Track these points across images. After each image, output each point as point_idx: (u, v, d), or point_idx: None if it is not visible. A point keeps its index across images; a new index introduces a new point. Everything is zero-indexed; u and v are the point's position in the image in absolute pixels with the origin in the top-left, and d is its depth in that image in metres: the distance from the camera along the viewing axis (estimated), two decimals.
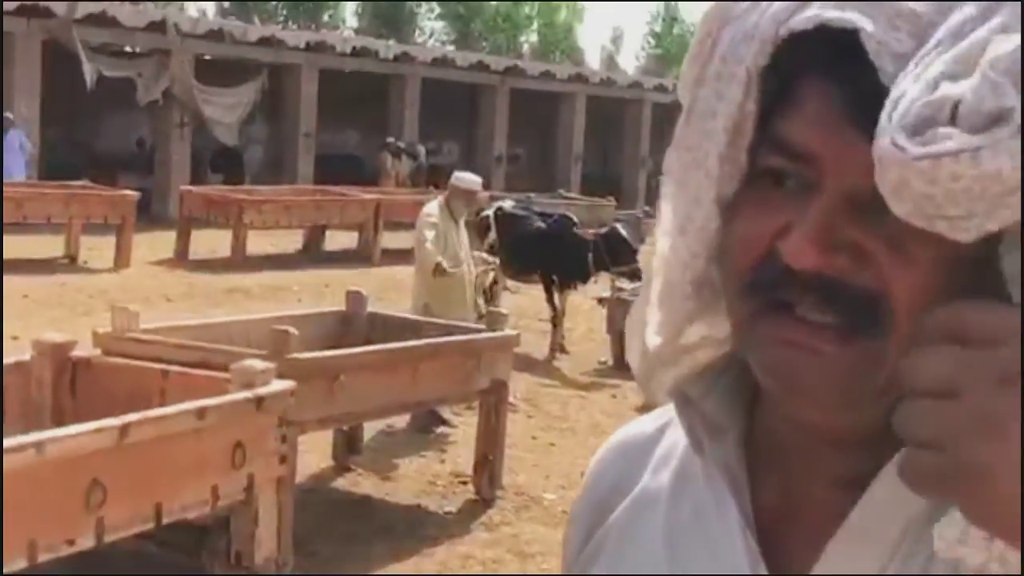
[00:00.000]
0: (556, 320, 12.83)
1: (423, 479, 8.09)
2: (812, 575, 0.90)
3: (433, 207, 9.90)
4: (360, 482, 7.96)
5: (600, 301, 13.01)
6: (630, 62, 77.70)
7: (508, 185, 29.93)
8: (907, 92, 0.76)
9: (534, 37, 71.94)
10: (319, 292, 15.66)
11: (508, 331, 7.84)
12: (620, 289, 12.94)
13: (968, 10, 0.78)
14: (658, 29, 79.50)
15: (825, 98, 0.83)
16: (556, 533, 7.16)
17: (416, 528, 7.18)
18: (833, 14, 0.81)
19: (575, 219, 13.61)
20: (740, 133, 0.87)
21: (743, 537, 0.94)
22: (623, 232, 13.15)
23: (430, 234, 9.48)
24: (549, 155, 37.83)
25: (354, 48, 30.56)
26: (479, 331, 7.87)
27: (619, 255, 12.57)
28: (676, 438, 1.04)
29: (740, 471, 0.97)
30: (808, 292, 0.83)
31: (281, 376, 5.52)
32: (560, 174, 35.98)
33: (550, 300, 12.86)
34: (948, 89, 0.75)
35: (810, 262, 0.82)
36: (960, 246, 0.77)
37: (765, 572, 0.92)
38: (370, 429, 8.68)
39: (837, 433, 0.90)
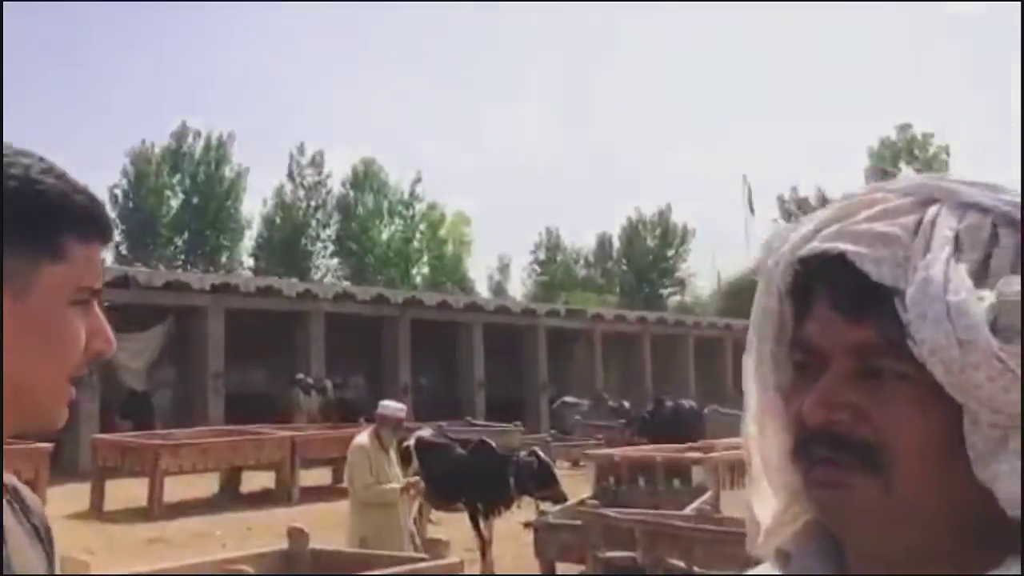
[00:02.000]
0: (484, 548, 12.62)
1: None
2: None
3: (364, 438, 9.85)
4: None
5: (526, 525, 12.82)
6: (517, 289, 78.93)
7: (415, 415, 29.81)
8: (965, 299, 1.00)
9: (425, 269, 73.00)
10: (242, 535, 15.23)
11: (451, 558, 7.68)
12: (544, 513, 12.82)
13: (942, 233, 1.04)
14: (542, 257, 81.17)
15: (823, 304, 1.08)
16: None
17: None
18: (826, 244, 1.07)
19: (494, 445, 13.55)
20: (784, 333, 1.14)
21: None
22: (542, 456, 13.13)
23: (365, 466, 9.37)
24: (452, 383, 37.92)
25: (258, 287, 30.70)
26: (423, 560, 7.69)
27: (542, 478, 12.52)
28: None
29: None
30: (824, 445, 1.05)
31: None
32: (464, 401, 36.01)
33: (476, 528, 12.68)
34: (989, 297, 1.00)
35: (817, 418, 1.05)
36: (939, 405, 1.01)
37: None
38: None
39: (901, 559, 1.05)
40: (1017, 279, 1.01)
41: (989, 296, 1.01)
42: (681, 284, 79.47)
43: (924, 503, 1.03)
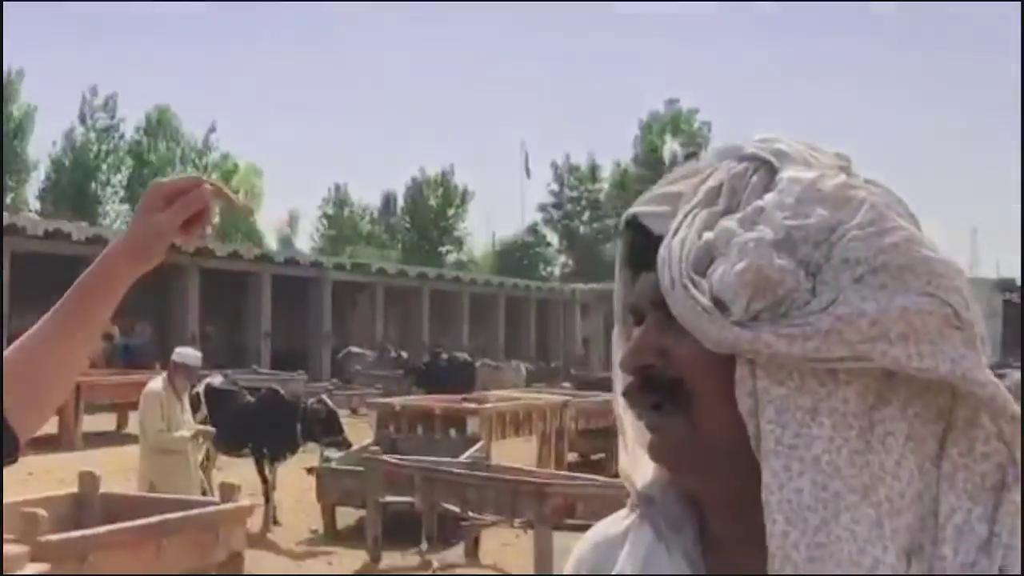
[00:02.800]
0: (267, 493, 12.53)
1: None
2: None
3: (157, 383, 9.65)
4: None
5: (309, 471, 12.80)
6: (306, 242, 78.05)
7: (202, 363, 29.23)
8: (687, 239, 1.06)
9: (216, 219, 71.24)
10: (23, 481, 14.71)
11: (242, 502, 7.63)
12: (328, 459, 12.82)
13: (708, 184, 1.10)
14: (330, 212, 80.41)
15: (633, 265, 1.16)
16: None
17: None
18: (632, 209, 1.16)
19: (282, 393, 13.46)
20: (627, 298, 1.18)
21: None
22: (329, 404, 13.12)
23: (157, 413, 9.20)
24: (239, 332, 37.31)
25: (46, 231, 29.48)
26: (214, 503, 7.62)
27: (326, 426, 12.52)
28: (635, 540, 1.19)
29: (697, 558, 1.13)
30: (644, 389, 1.11)
31: (33, 559, 5.18)
32: (250, 350, 35.49)
33: (261, 473, 12.58)
34: (707, 236, 1.05)
35: (630, 365, 1.11)
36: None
37: None
38: None
39: (717, 497, 1.11)
40: (737, 215, 1.06)
41: (709, 234, 1.06)
42: (459, 243, 79.89)
43: (725, 436, 1.05)
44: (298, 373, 27.04)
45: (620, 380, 1.17)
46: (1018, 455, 1.02)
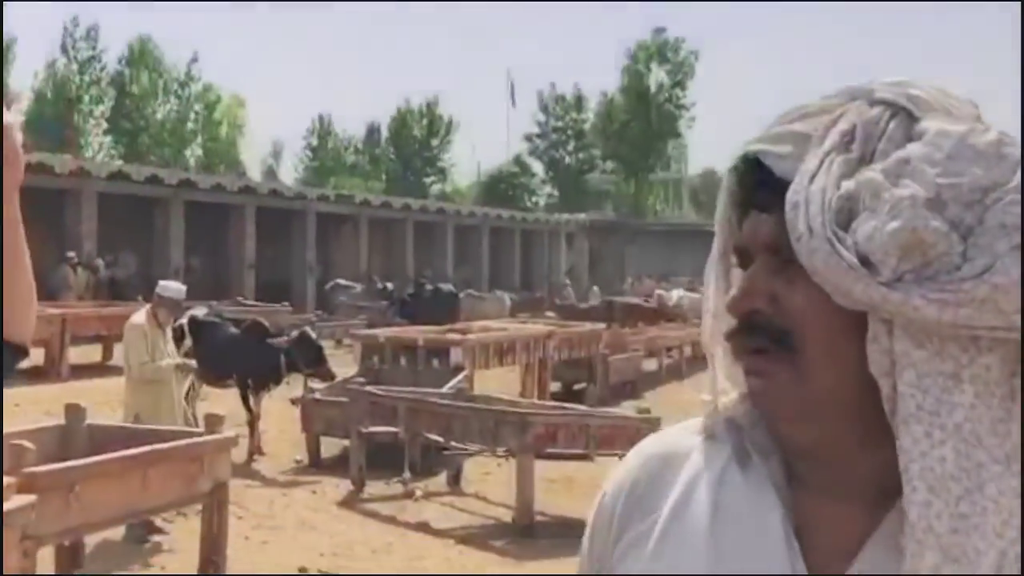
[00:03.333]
0: (252, 423, 12.60)
1: None
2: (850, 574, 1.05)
3: (141, 316, 9.66)
4: None
5: (294, 402, 12.88)
6: (289, 174, 77.74)
7: (186, 295, 29.22)
8: (826, 187, 1.02)
9: (199, 151, 70.94)
10: (10, 412, 14.73)
11: (227, 433, 7.68)
12: (312, 390, 12.89)
13: (840, 128, 1.05)
14: (315, 143, 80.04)
15: (749, 199, 1.11)
16: None
17: None
18: (748, 147, 1.10)
19: (267, 324, 13.49)
20: (732, 236, 1.15)
21: (784, 534, 1.08)
22: (312, 336, 13.15)
23: (140, 345, 9.24)
24: (222, 264, 37.24)
25: (29, 163, 29.16)
26: (199, 434, 7.67)
27: (310, 358, 12.56)
28: (708, 456, 1.18)
29: (784, 486, 1.11)
30: (750, 333, 1.08)
31: (20, 491, 5.23)
32: (234, 282, 35.45)
33: (246, 403, 12.65)
34: (847, 186, 1.02)
35: (736, 307, 1.09)
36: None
37: (802, 565, 1.06)
38: (88, 543, 8.24)
39: (824, 449, 1.07)
40: (879, 166, 1.01)
41: (849, 183, 1.02)
42: (443, 173, 79.65)
43: (834, 389, 1.04)
44: (282, 305, 27.04)
45: (720, 320, 1.16)
46: None
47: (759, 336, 1.08)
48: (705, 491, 1.15)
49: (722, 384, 1.18)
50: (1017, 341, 0.98)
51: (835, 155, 1.04)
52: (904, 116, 1.04)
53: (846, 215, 1.01)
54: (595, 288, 43.91)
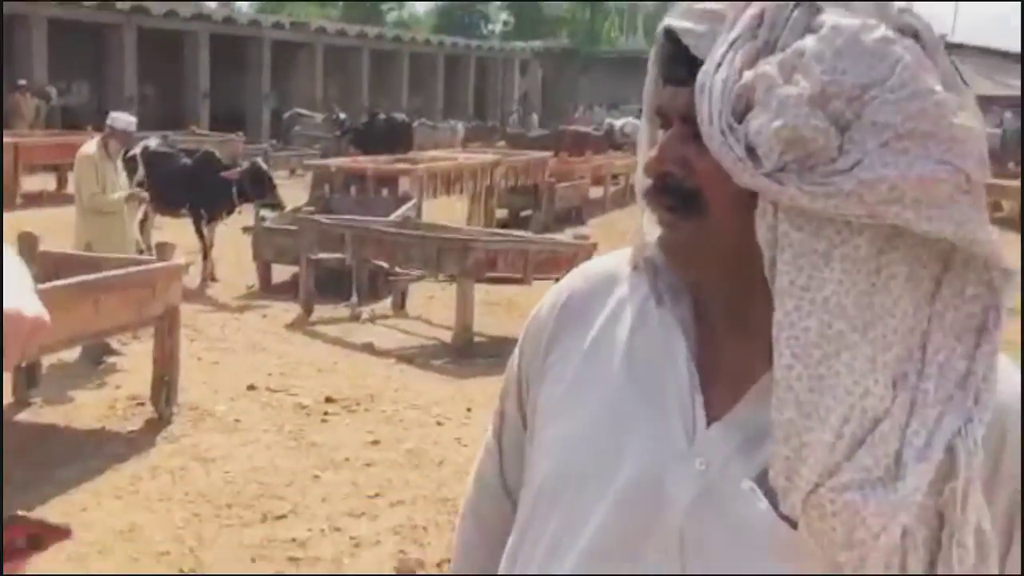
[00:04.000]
0: (206, 251, 12.86)
1: (103, 405, 8.09)
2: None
3: (91, 147, 9.80)
4: (43, 413, 7.86)
5: (245, 230, 13.13)
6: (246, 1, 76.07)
7: (140, 125, 28.97)
8: (728, 79, 1.09)
9: None
10: None
11: (177, 260, 7.96)
12: (263, 219, 13.11)
13: (751, 12, 1.12)
14: None
15: (667, 71, 1.20)
16: (232, 439, 7.45)
17: (102, 448, 7.20)
18: (668, 21, 1.18)
19: (218, 155, 13.64)
20: (657, 99, 1.24)
21: (687, 370, 1.23)
22: (264, 167, 13.31)
23: (91, 176, 9.44)
24: (177, 93, 36.87)
25: None
26: (151, 262, 7.94)
27: (261, 188, 12.74)
28: (633, 288, 1.33)
29: (691, 325, 1.26)
30: (663, 193, 1.19)
31: None
32: (189, 111, 35.20)
33: (199, 232, 12.88)
34: (747, 76, 1.09)
35: (653, 170, 1.20)
36: None
37: (701, 397, 1.21)
38: (46, 364, 8.58)
39: (724, 296, 1.21)
40: (776, 59, 1.08)
41: (749, 74, 1.09)
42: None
43: (734, 247, 1.14)
44: (237, 134, 26.96)
45: (640, 180, 1.25)
46: (1002, 301, 1.10)
47: (670, 196, 1.18)
48: (627, 323, 1.30)
49: (647, 227, 1.29)
50: (884, 225, 1.07)
51: (741, 42, 1.10)
52: (807, 6, 1.09)
53: (744, 104, 1.09)
54: (534, 116, 43.83)
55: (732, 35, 1.11)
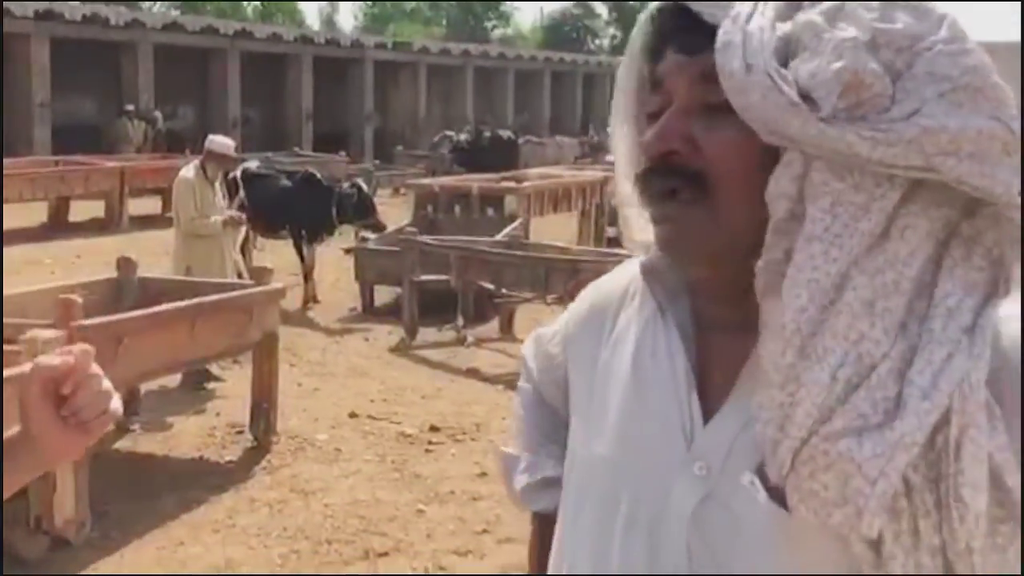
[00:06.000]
0: (307, 273, 12.86)
1: (202, 432, 8.04)
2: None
3: (189, 171, 9.81)
4: (141, 441, 7.84)
5: (347, 252, 13.09)
6: (348, 20, 77.16)
7: (244, 146, 29.48)
8: (764, 27, 1.07)
9: (256, 1, 70.52)
10: (71, 263, 15.14)
11: (275, 284, 7.86)
12: (364, 240, 13.07)
13: None
14: None
15: (671, 49, 1.16)
16: (332, 470, 7.31)
17: (200, 479, 7.15)
18: None
19: (319, 176, 13.63)
20: (643, 89, 1.23)
21: (685, 373, 1.23)
22: (363, 187, 13.28)
23: (189, 199, 9.43)
24: (280, 115, 37.35)
25: (84, 15, 29.33)
26: (249, 286, 7.86)
27: (361, 208, 12.71)
28: (643, 297, 1.32)
29: (689, 327, 1.26)
30: (663, 175, 1.14)
31: (69, 343, 5.42)
32: (292, 133, 35.62)
33: (300, 254, 12.88)
34: (783, 27, 1.08)
35: (654, 149, 1.14)
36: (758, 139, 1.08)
37: (695, 395, 1.22)
38: (144, 391, 8.55)
39: (726, 291, 1.18)
40: (815, 9, 1.08)
41: (785, 26, 1.08)
42: (505, 17, 78.66)
43: (743, 230, 1.11)
44: (340, 155, 27.13)
45: (628, 162, 1.25)
46: (1014, 275, 1.09)
47: (672, 177, 1.13)
48: (633, 336, 1.30)
49: (637, 234, 1.30)
50: (926, 179, 1.05)
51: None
52: None
53: (782, 55, 1.06)
54: (609, 130, 43.40)
55: None
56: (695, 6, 1.12)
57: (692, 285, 1.24)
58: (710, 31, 1.09)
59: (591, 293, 1.42)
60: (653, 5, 1.18)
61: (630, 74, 1.23)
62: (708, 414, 1.19)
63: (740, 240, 1.11)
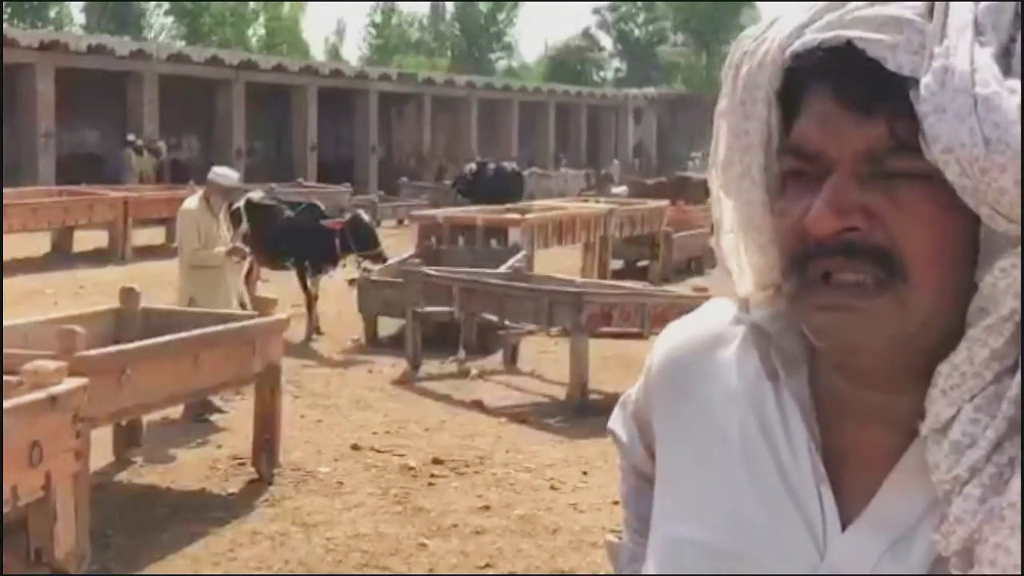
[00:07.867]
0: (310, 304, 12.86)
1: (204, 465, 8.03)
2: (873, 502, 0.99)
3: (193, 202, 9.85)
4: (143, 473, 7.83)
5: (351, 283, 13.11)
6: (353, 52, 77.56)
7: (248, 177, 29.55)
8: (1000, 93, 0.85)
9: (261, 31, 70.97)
10: (74, 293, 15.15)
11: (278, 315, 7.87)
12: (367, 271, 13.08)
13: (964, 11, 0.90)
14: (378, 20, 79.63)
15: (826, 100, 0.94)
16: (335, 503, 7.29)
17: (202, 511, 7.13)
18: (826, 34, 0.94)
19: (322, 207, 13.67)
20: (771, 144, 1.00)
21: (810, 459, 1.01)
22: (366, 218, 13.31)
23: (192, 231, 9.47)
24: (284, 146, 37.51)
25: (89, 46, 29.51)
26: (251, 317, 7.87)
27: (364, 240, 12.72)
28: (741, 363, 1.10)
29: (809, 403, 1.04)
30: (834, 256, 0.93)
31: (71, 374, 5.45)
32: (297, 164, 35.74)
33: (304, 285, 12.89)
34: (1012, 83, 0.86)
35: (827, 226, 0.92)
36: (956, 208, 0.89)
37: (830, 493, 1.00)
38: (147, 422, 8.55)
39: (885, 378, 0.97)
40: None
41: (1019, 88, 0.86)
42: (510, 49, 79.04)
43: (931, 321, 0.93)
44: (344, 186, 27.21)
45: (745, 226, 1.07)
46: None
47: (858, 260, 0.92)
48: (738, 402, 1.09)
49: (743, 290, 1.12)
50: None
51: (978, 48, 0.89)
52: None
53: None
54: (615, 162, 43.52)
55: (964, 39, 0.88)
56: (873, 51, 0.91)
57: (837, 368, 1.02)
58: (886, 79, 0.91)
59: (674, 339, 1.19)
60: (800, 41, 0.96)
61: (749, 121, 1.02)
62: (843, 519, 0.99)
63: (929, 332, 0.93)
